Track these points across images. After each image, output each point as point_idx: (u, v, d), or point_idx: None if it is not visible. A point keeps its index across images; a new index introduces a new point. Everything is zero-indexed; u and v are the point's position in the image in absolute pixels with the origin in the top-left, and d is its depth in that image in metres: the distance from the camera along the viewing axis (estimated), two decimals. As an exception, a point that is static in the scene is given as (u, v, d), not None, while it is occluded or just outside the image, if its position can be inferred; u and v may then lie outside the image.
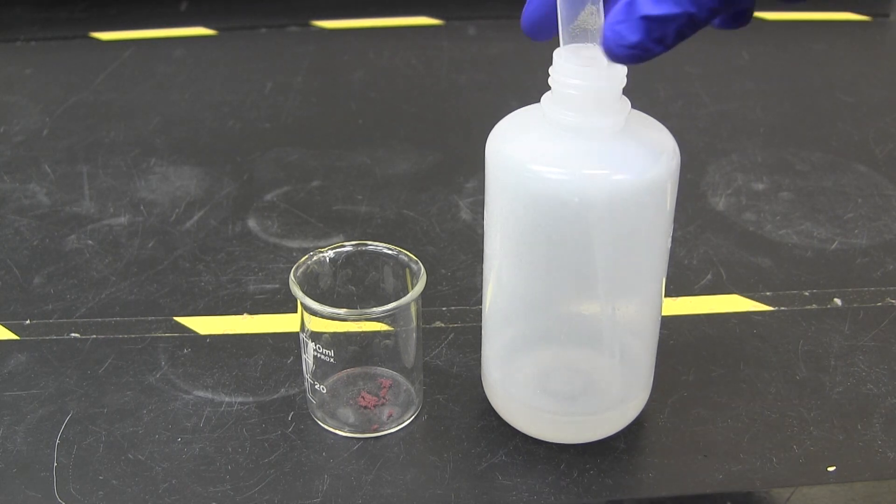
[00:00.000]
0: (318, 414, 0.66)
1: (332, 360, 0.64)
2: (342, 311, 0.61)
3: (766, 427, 0.65)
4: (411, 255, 0.65)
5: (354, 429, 0.65)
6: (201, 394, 0.68)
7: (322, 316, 0.62)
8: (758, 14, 0.54)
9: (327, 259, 0.66)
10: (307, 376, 0.65)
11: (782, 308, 0.77)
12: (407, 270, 0.65)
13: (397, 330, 0.66)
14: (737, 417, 0.66)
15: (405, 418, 0.66)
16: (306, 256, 0.66)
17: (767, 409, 0.67)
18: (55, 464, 0.63)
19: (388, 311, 0.62)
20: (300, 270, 0.65)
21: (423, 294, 0.63)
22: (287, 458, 0.63)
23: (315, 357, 0.64)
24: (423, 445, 0.64)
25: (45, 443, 0.64)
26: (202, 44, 1.27)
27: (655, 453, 0.64)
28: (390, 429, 0.65)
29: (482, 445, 0.64)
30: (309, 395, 0.66)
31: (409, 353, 0.66)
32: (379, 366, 0.68)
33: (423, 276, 0.63)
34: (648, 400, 0.66)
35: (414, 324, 0.65)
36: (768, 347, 0.73)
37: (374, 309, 0.62)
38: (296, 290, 0.62)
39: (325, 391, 0.66)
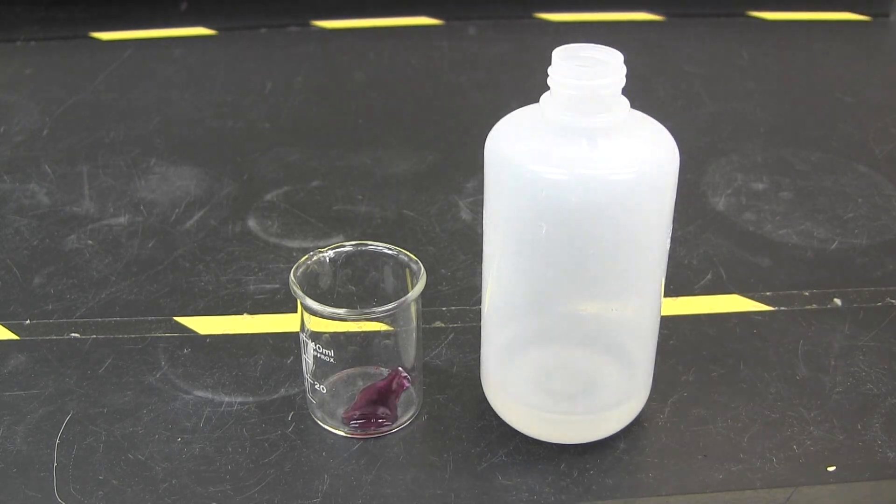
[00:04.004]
0: (318, 414, 0.66)
1: (332, 360, 0.64)
2: (342, 311, 0.61)
3: (766, 427, 0.65)
4: (411, 255, 0.65)
5: (354, 429, 0.65)
6: (201, 394, 0.68)
7: (322, 316, 0.62)
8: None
9: (327, 259, 0.66)
10: (307, 376, 0.65)
11: (782, 308, 0.77)
12: (407, 270, 0.65)
13: (397, 330, 0.66)
14: (737, 417, 0.66)
15: (405, 418, 0.66)
16: (306, 256, 0.66)
17: (767, 409, 0.67)
18: (55, 464, 0.63)
19: (388, 311, 0.62)
20: (300, 270, 0.65)
21: (423, 294, 0.63)
22: (287, 458, 0.63)
23: (315, 357, 0.64)
24: (423, 445, 0.64)
25: (45, 443, 0.64)
26: (202, 44, 1.26)
27: (655, 453, 0.64)
28: (390, 429, 0.65)
29: (482, 445, 0.64)
30: (309, 395, 0.66)
31: (409, 353, 0.66)
32: (379, 366, 0.68)
33: (423, 276, 0.63)
34: (648, 400, 0.66)
35: (414, 324, 0.65)
36: (768, 347, 0.73)
37: (374, 309, 0.62)
38: (296, 290, 0.62)
39: (325, 391, 0.66)
